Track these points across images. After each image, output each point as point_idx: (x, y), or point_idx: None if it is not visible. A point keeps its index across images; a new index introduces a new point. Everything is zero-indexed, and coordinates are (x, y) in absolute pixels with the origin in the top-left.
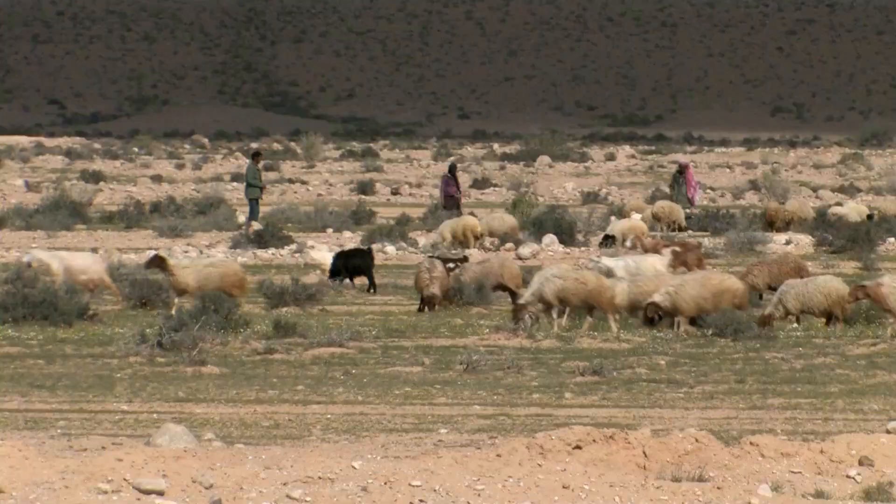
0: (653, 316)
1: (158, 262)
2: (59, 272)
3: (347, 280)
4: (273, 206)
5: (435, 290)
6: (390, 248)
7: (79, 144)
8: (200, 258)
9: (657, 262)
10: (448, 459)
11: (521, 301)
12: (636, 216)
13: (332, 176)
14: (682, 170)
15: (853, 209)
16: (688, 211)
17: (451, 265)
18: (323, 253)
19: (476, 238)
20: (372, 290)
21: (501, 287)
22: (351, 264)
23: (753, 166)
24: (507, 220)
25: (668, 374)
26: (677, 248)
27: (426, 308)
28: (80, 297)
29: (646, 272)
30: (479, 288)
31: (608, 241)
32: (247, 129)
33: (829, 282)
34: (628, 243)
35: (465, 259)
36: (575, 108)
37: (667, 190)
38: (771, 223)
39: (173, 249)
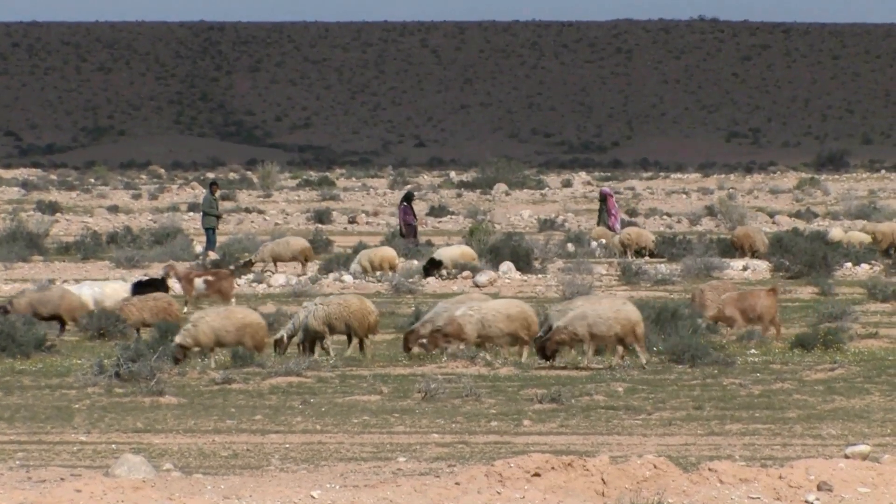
0: (181, 357)
1: None
2: None
3: None
4: (230, 236)
5: (133, 319)
6: (348, 277)
7: (35, 176)
8: None
9: (120, 289)
10: (407, 488)
11: (277, 336)
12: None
13: (288, 205)
14: (603, 198)
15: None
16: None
17: None
18: None
19: (392, 268)
20: None
21: (56, 317)
22: (146, 294)
23: (710, 192)
24: (294, 244)
25: (626, 401)
26: (210, 277)
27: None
28: (37, 329)
29: (111, 297)
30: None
31: (435, 266)
32: (203, 159)
33: (510, 305)
34: (161, 272)
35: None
36: (531, 136)
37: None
38: (739, 248)
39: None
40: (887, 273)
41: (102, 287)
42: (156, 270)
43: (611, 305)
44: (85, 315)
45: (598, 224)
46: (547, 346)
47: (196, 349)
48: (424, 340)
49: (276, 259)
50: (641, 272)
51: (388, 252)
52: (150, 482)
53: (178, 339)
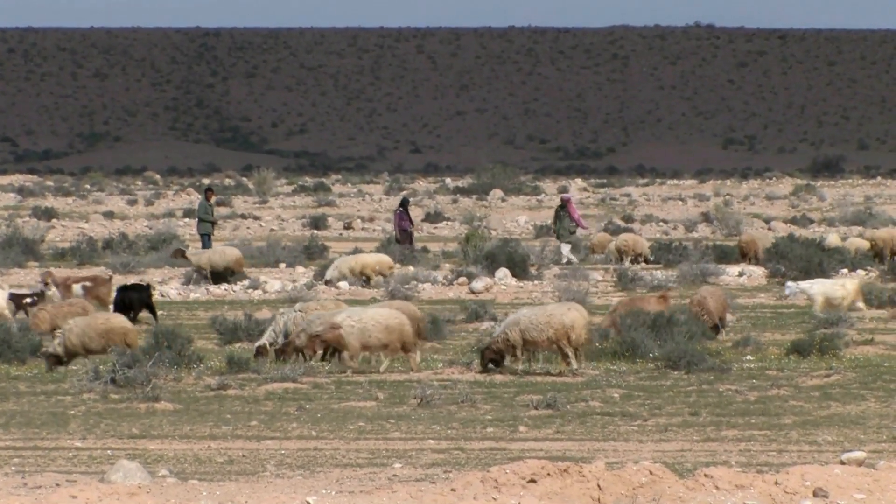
0: (53, 363)
1: None
2: None
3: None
4: (226, 242)
5: (45, 326)
6: (343, 284)
7: (31, 182)
8: None
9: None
10: (403, 494)
11: (259, 343)
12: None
13: (284, 211)
14: (563, 204)
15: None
16: (574, 237)
17: (28, 300)
18: None
19: (377, 273)
20: (156, 323)
21: None
22: (128, 298)
23: (706, 198)
24: (229, 254)
25: (622, 407)
26: (88, 283)
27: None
28: (32, 335)
29: None
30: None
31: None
32: (199, 165)
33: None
34: (39, 278)
35: (43, 295)
36: (527, 142)
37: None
38: (744, 254)
39: None
40: (882, 279)
41: None
42: (152, 277)
43: (544, 310)
44: None
45: (555, 229)
46: (484, 354)
47: (67, 357)
48: (302, 349)
49: (212, 267)
50: (637, 278)
51: (368, 258)
52: (146, 488)
53: (51, 348)
